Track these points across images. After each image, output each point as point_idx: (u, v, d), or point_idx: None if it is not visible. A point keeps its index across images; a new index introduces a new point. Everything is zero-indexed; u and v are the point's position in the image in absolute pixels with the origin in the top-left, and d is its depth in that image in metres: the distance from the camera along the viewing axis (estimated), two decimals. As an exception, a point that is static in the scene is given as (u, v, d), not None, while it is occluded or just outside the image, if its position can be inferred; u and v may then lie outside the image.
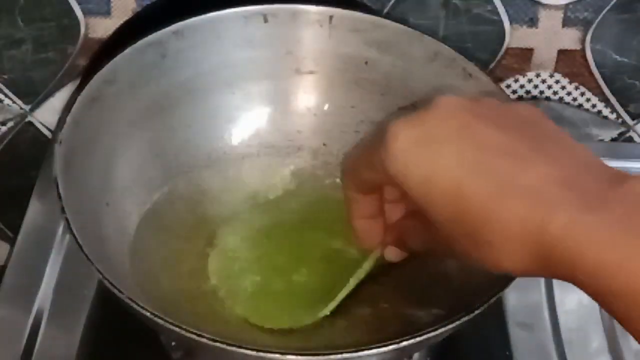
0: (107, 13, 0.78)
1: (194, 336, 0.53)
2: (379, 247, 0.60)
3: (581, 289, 0.44)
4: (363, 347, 0.53)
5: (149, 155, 0.70)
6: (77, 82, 0.82)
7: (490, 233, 0.47)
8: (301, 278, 0.66)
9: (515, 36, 0.80)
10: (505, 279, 0.56)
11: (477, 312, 0.55)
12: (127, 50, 0.68)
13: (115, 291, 0.55)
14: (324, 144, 0.75)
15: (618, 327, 0.67)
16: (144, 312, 0.54)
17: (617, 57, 0.82)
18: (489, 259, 0.48)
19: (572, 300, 0.70)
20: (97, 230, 0.62)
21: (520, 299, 0.70)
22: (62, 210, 0.58)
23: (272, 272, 0.66)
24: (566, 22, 0.80)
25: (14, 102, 0.83)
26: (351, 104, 0.75)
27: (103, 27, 0.79)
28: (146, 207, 0.69)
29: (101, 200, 0.65)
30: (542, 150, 0.48)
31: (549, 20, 0.80)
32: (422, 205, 0.49)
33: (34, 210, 0.75)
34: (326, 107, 0.75)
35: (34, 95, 0.83)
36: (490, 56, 0.81)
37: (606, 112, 0.85)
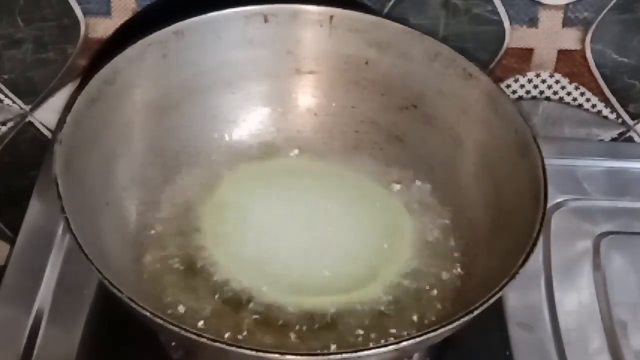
0: (107, 13, 0.78)
1: (193, 336, 0.53)
2: None
3: None
4: (363, 348, 0.54)
5: (149, 155, 0.70)
6: (77, 82, 0.82)
7: None
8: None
9: (515, 36, 0.80)
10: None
11: (477, 312, 0.55)
12: (127, 50, 0.68)
13: (115, 291, 0.55)
14: (324, 144, 0.75)
15: (618, 327, 0.67)
16: (144, 312, 0.54)
17: (617, 57, 0.81)
18: None
19: (572, 300, 0.70)
20: (97, 230, 0.63)
21: (520, 299, 0.70)
22: (62, 210, 0.58)
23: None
24: (566, 22, 0.80)
25: (14, 102, 0.83)
26: (351, 104, 0.75)
27: (103, 27, 0.79)
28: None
29: (101, 200, 0.65)
30: None
31: (549, 20, 0.80)
32: None
33: (34, 210, 0.75)
34: (326, 107, 0.75)
35: (34, 95, 0.83)
36: (490, 56, 0.81)
37: (606, 112, 0.85)
